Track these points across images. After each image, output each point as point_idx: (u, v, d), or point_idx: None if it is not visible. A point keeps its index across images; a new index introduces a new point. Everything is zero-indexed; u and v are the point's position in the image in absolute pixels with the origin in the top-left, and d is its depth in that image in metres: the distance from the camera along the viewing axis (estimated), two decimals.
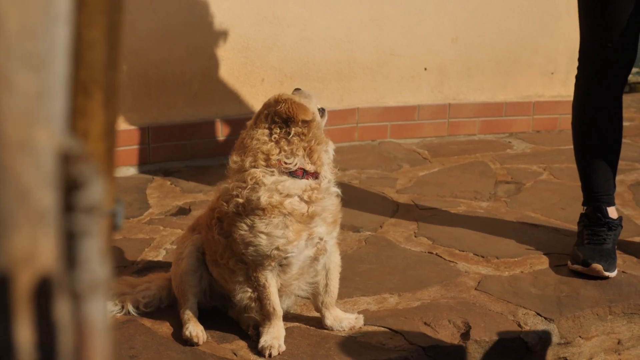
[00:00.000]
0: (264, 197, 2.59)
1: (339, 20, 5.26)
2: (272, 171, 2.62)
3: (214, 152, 4.96)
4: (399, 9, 5.41)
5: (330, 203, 2.70)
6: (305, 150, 2.64)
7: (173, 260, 3.00)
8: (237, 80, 5.06)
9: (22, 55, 0.53)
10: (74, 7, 0.60)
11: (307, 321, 2.93)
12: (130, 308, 2.94)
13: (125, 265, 3.40)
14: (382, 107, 5.51)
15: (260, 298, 2.71)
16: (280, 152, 2.62)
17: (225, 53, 4.99)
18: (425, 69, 5.57)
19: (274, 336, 2.71)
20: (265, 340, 2.70)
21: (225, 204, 2.69)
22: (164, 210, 4.14)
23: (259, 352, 2.70)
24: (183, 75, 4.92)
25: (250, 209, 2.62)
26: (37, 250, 0.55)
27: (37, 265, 0.55)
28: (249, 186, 2.61)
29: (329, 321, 2.86)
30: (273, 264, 2.67)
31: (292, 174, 2.63)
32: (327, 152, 2.72)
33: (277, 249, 2.62)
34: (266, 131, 2.65)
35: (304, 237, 2.65)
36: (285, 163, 2.62)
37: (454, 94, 5.69)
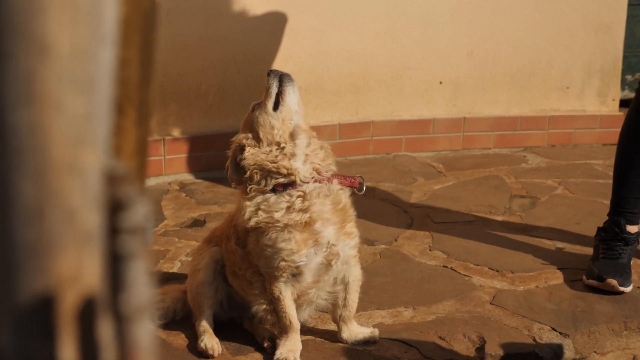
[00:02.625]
0: (251, 219, 2.64)
1: (353, 32, 5.28)
2: (254, 195, 2.66)
3: None
4: (414, 22, 5.42)
5: (328, 203, 2.66)
6: (269, 175, 2.66)
7: (189, 272, 3.01)
8: (253, 93, 5.07)
9: (72, 78, 0.54)
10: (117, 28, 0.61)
11: (322, 334, 2.94)
12: None
13: None
14: (397, 121, 5.51)
15: (276, 311, 2.72)
16: (247, 186, 2.68)
17: (240, 65, 5.01)
18: (441, 82, 5.57)
19: (290, 349, 2.71)
20: (280, 352, 2.70)
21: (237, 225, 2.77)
22: (178, 222, 4.16)
23: None
24: (199, 88, 4.94)
25: (252, 229, 2.67)
26: (82, 271, 0.56)
27: (82, 286, 0.56)
28: (242, 214, 2.67)
29: (344, 334, 2.86)
30: (285, 275, 2.67)
31: (273, 190, 2.65)
32: (297, 149, 2.69)
33: (283, 260, 2.63)
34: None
35: (310, 245, 2.65)
36: (260, 188, 2.67)
37: (469, 107, 5.69)
